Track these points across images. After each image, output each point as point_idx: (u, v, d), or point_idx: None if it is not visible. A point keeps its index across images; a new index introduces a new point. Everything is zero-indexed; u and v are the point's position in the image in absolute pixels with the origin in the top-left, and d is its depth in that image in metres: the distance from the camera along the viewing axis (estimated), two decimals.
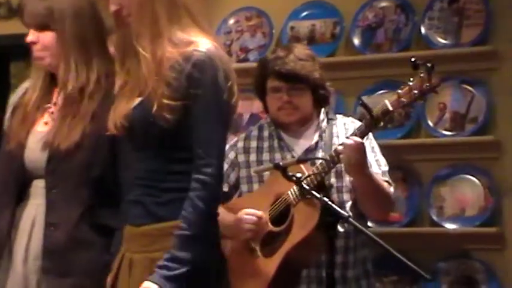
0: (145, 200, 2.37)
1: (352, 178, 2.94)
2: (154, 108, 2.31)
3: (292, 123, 3.07)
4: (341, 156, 2.83)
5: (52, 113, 2.72)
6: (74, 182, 2.63)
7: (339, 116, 3.15)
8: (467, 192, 3.88)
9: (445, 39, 4.00)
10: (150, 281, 2.26)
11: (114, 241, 2.61)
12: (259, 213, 2.92)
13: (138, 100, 2.38)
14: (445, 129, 3.96)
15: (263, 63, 3.11)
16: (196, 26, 2.39)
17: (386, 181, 3.01)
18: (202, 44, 2.34)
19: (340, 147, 2.83)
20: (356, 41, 4.17)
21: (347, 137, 2.85)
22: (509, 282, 3.77)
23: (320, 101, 3.08)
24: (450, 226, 3.87)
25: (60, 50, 2.69)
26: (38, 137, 2.70)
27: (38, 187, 2.68)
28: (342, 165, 2.92)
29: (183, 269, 2.26)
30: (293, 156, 3.03)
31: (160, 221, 2.34)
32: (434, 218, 3.91)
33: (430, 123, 3.98)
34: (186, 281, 2.27)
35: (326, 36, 4.26)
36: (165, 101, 2.30)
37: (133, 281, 2.35)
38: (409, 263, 2.58)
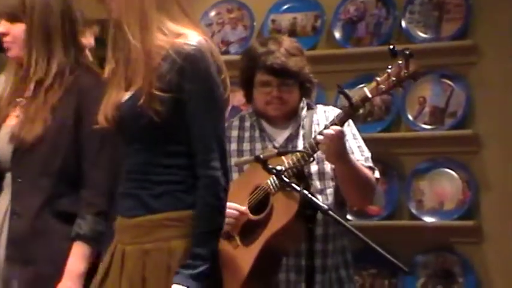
0: (139, 192, 2.37)
1: (333, 166, 2.96)
2: (143, 98, 2.31)
3: (278, 117, 3.08)
4: (320, 145, 2.84)
5: (23, 106, 2.74)
6: (37, 172, 2.67)
7: (319, 105, 3.16)
8: (446, 186, 3.91)
9: (426, 33, 4.02)
10: (178, 283, 2.27)
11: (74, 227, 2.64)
12: (242, 208, 2.92)
13: (129, 93, 2.38)
14: (425, 123, 3.98)
15: (252, 56, 3.09)
16: (185, 17, 2.38)
17: (369, 167, 3.02)
18: (192, 37, 2.34)
19: (320, 137, 2.84)
20: (337, 35, 4.18)
21: (326, 125, 2.87)
22: (486, 275, 3.80)
23: (305, 93, 3.09)
24: (429, 219, 3.90)
25: (26, 42, 2.71)
26: (7, 130, 2.73)
27: (8, 179, 2.72)
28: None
29: (206, 265, 2.29)
30: (274, 146, 3.04)
31: (153, 213, 2.35)
32: (414, 211, 3.93)
33: (410, 117, 4.00)
34: (208, 276, 2.29)
35: (307, 29, 4.26)
36: (156, 92, 2.30)
37: (126, 273, 2.36)
38: (388, 256, 2.59)
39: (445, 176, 3.92)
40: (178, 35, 2.34)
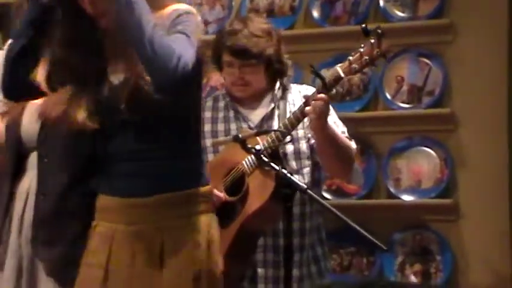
0: (148, 171, 2.40)
1: (315, 139, 2.97)
2: (134, 79, 2.34)
3: (245, 98, 3.09)
4: (309, 113, 2.84)
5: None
6: (63, 151, 2.66)
7: (293, 85, 3.17)
8: (423, 164, 3.93)
9: (403, 12, 4.02)
10: None
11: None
12: (221, 194, 2.93)
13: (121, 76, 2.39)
14: (403, 102, 3.99)
15: (219, 36, 3.11)
16: None
17: (347, 137, 3.06)
18: (181, 5, 2.37)
19: (307, 108, 2.85)
20: (315, 14, 4.18)
21: (300, 106, 2.88)
22: (462, 252, 3.83)
23: (275, 74, 3.10)
24: (407, 198, 3.92)
25: None
26: (33, 108, 2.71)
27: (33, 159, 2.71)
28: (299, 131, 2.96)
29: None
30: (249, 126, 3.05)
31: (171, 191, 2.39)
32: (392, 189, 3.95)
33: (388, 96, 4.02)
34: None
35: (285, 9, 4.26)
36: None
37: (140, 253, 2.39)
38: (366, 234, 2.62)
39: (422, 154, 3.94)
40: (164, 6, 2.37)
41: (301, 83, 3.36)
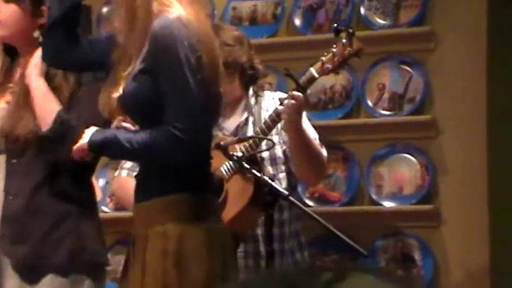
0: (140, 178, 2.45)
1: (288, 139, 2.98)
2: (127, 82, 2.38)
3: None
4: (282, 115, 2.86)
5: (12, 92, 2.75)
6: (33, 152, 2.67)
7: (266, 92, 3.19)
8: (405, 171, 3.95)
9: (384, 20, 4.05)
10: None
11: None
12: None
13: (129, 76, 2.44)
14: (384, 109, 4.02)
15: None
16: None
17: (319, 144, 3.09)
18: (164, 16, 2.38)
19: (281, 107, 2.87)
20: (297, 22, 4.20)
21: (276, 108, 2.90)
22: (443, 258, 3.85)
23: (249, 81, 3.12)
24: (388, 204, 3.94)
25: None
26: (1, 112, 2.72)
27: (2, 161, 2.71)
28: (274, 137, 2.99)
29: None
30: (224, 134, 3.07)
31: (150, 198, 2.41)
32: (374, 196, 3.97)
33: (370, 104, 4.04)
34: None
35: (267, 16, 4.28)
36: (138, 73, 2.36)
37: (135, 258, 2.45)
38: (348, 240, 2.64)
39: (404, 161, 3.96)
40: (159, 12, 2.38)
41: (285, 90, 3.38)
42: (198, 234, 2.40)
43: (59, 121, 2.64)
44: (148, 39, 2.36)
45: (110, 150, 2.45)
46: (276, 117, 2.90)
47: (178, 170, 2.40)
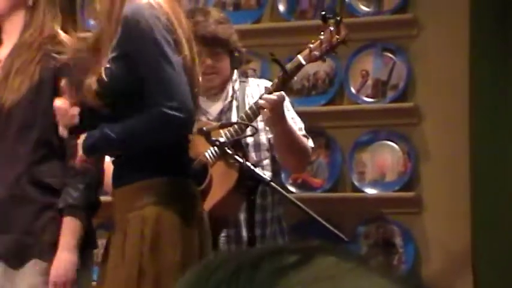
0: (118, 162, 2.47)
1: (271, 133, 3.00)
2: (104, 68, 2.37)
3: (213, 88, 3.10)
4: (263, 109, 2.87)
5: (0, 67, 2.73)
6: (14, 139, 2.65)
7: (251, 78, 3.20)
8: (387, 157, 3.97)
9: (368, 7, 4.05)
10: None
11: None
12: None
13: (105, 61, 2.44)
14: (367, 96, 4.03)
15: None
16: None
17: (304, 135, 3.08)
18: (134, 1, 2.37)
19: (261, 101, 2.87)
20: (281, 8, 4.19)
21: (261, 95, 2.90)
22: (424, 244, 3.87)
23: (235, 63, 3.12)
24: (371, 191, 3.96)
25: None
26: None
27: None
28: (260, 123, 2.98)
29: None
30: (208, 119, 3.07)
31: (130, 182, 2.42)
32: (356, 183, 3.99)
33: (353, 90, 4.05)
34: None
35: (251, 2, 4.27)
36: (111, 59, 2.35)
37: (113, 242, 2.48)
38: (328, 226, 2.65)
39: (386, 148, 3.98)
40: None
41: (269, 77, 3.39)
42: (175, 218, 2.41)
43: None
44: (121, 26, 2.36)
45: (107, 148, 2.44)
46: (256, 109, 2.90)
47: (157, 154, 2.40)
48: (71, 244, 2.63)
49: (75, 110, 2.43)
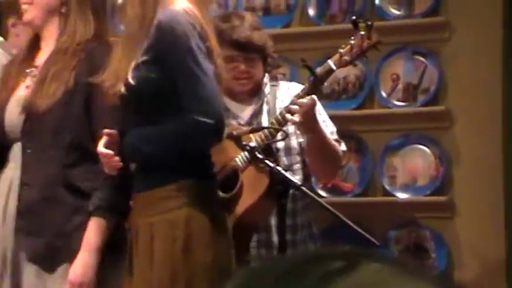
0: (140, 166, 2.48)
1: (303, 138, 2.99)
2: (132, 71, 2.39)
3: (245, 93, 3.10)
4: (294, 115, 2.86)
5: (34, 76, 2.76)
6: (48, 143, 2.68)
7: (282, 82, 3.20)
8: (418, 161, 3.94)
9: (398, 10, 4.03)
10: None
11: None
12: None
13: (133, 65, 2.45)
14: (398, 100, 4.00)
15: (216, 32, 3.12)
16: None
17: (336, 139, 3.07)
18: (169, 8, 2.38)
19: (294, 107, 2.87)
20: (311, 12, 4.18)
21: (292, 100, 2.90)
22: (457, 249, 3.84)
23: (267, 68, 3.13)
24: (402, 195, 3.93)
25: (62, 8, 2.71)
26: (18, 100, 2.74)
27: (16, 150, 2.72)
28: (290, 127, 2.98)
29: None
30: (239, 123, 3.06)
31: (154, 187, 2.43)
32: (387, 187, 3.96)
33: (384, 94, 4.02)
34: None
35: (281, 7, 4.26)
36: (141, 64, 2.36)
37: (140, 247, 2.48)
38: (360, 230, 2.63)
39: (417, 152, 3.95)
40: (165, 4, 2.39)
41: (298, 81, 3.38)
42: (205, 219, 2.42)
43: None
44: (154, 31, 2.37)
45: (140, 157, 2.45)
46: (282, 119, 2.90)
47: (181, 158, 2.41)
48: (93, 245, 2.63)
49: (118, 160, 2.45)
